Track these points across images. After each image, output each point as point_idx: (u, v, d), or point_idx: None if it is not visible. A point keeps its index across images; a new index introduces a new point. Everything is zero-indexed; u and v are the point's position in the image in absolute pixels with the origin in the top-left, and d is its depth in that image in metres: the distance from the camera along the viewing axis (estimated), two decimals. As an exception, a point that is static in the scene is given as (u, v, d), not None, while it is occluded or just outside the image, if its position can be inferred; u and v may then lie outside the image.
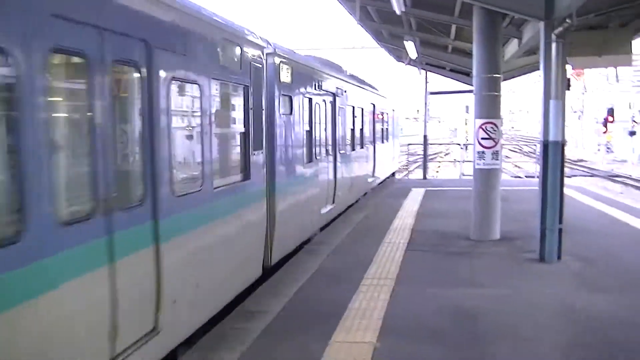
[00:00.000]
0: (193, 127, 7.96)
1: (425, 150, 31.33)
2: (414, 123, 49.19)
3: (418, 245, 13.36)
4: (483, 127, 13.67)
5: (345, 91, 18.23)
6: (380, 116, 26.06)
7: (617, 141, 62.77)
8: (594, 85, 74.93)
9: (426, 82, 31.42)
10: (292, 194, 12.51)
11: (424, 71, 30.91)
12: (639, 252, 12.67)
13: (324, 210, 15.44)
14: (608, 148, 59.53)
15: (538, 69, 12.31)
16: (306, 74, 13.95)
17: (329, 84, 16.20)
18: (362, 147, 21.42)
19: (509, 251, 12.77)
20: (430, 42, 24.56)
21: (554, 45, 11.49)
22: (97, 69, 5.56)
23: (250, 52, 9.84)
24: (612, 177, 39.71)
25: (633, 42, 14.03)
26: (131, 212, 6.15)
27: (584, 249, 12.68)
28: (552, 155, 11.59)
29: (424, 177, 30.33)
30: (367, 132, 22.65)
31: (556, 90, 11.50)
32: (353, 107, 19.61)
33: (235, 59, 9.23)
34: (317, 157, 14.85)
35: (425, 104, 31.48)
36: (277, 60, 11.43)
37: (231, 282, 9.07)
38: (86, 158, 5.53)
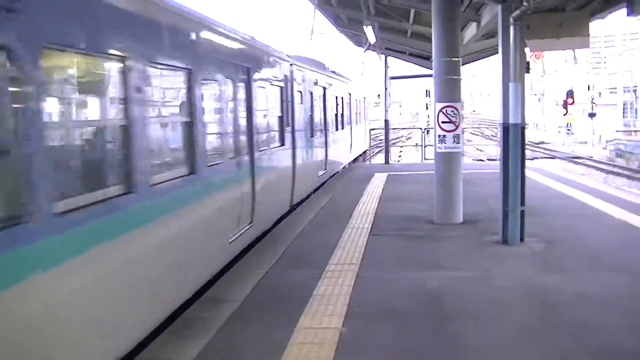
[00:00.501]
0: (266, 111, 13.37)
1: (386, 134, 31.36)
2: (375, 108, 49.06)
3: (382, 230, 13.41)
4: (443, 110, 13.72)
5: (331, 85, 23.49)
6: (355, 103, 30.94)
7: (578, 123, 63.50)
8: (553, 68, 75.62)
9: (386, 67, 31.43)
10: (303, 158, 17.34)
11: (384, 56, 30.93)
12: (600, 233, 12.79)
13: (320, 173, 20.43)
14: (568, 130, 60.17)
15: (497, 53, 12.38)
16: (308, 75, 18.65)
17: (321, 80, 21.17)
18: (342, 128, 26.59)
19: (472, 234, 12.85)
20: (390, 27, 24.59)
21: (511, 28, 11.54)
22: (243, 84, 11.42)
23: (284, 65, 15.36)
24: (573, 159, 40.20)
25: (590, 24, 14.10)
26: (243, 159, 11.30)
27: (546, 230, 12.79)
28: (513, 137, 11.67)
29: (386, 162, 30.39)
30: (346, 116, 27.71)
31: (515, 73, 11.56)
32: (336, 97, 24.72)
33: (278, 71, 14.66)
34: (315, 134, 19.62)
35: (386, 88, 31.48)
36: (294, 68, 16.41)
37: (280, 207, 14.74)
38: (237, 128, 11.12)
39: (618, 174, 32.52)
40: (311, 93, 19.04)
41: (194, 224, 8.71)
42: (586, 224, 13.60)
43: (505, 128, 11.81)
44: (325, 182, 21.64)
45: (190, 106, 8.74)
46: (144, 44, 7.25)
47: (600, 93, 76.43)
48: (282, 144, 14.88)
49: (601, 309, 8.24)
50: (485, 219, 13.88)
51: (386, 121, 31.21)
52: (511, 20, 11.49)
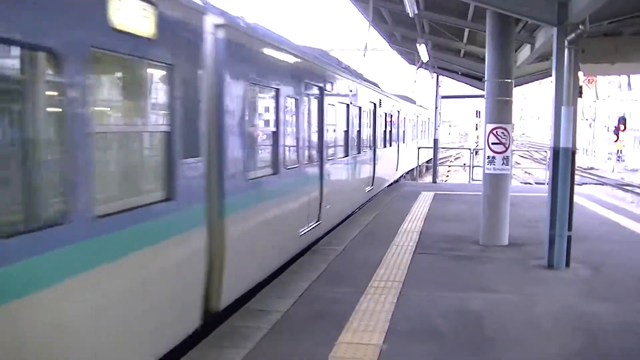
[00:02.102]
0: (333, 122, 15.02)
1: (435, 154, 31.26)
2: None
3: (427, 249, 13.35)
4: (494, 131, 13.66)
5: (400, 110, 27.80)
6: (413, 119, 33.47)
7: (628, 150, 62.63)
8: (606, 93, 74.73)
9: (437, 86, 31.37)
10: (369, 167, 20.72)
11: (436, 75, 30.88)
12: (648, 260, 12.62)
13: (367, 189, 20.58)
14: (619, 157, 59.37)
15: (550, 75, 12.29)
16: (370, 95, 20.67)
17: (387, 102, 23.77)
18: (409, 141, 31.06)
19: (517, 257, 12.75)
20: (443, 46, 24.58)
21: (566, 52, 11.48)
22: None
23: (351, 80, 17.16)
24: (622, 185, 39.62)
25: (646, 50, 13.97)
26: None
27: (593, 256, 12.63)
28: (563, 161, 11.56)
29: (434, 181, 30.27)
30: (401, 132, 29.31)
31: (567, 97, 11.47)
32: (399, 114, 27.55)
33: (346, 89, 16.41)
34: (364, 150, 19.60)
35: (437, 107, 31.41)
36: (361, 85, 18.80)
37: (344, 210, 16.78)
38: (312, 140, 13.26)
39: (668, 203, 31.98)
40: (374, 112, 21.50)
41: (275, 218, 10.57)
42: (633, 251, 13.40)
43: (556, 152, 11.71)
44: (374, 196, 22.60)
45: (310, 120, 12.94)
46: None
47: (653, 120, 75.57)
48: (346, 155, 16.86)
49: (647, 339, 8.12)
50: (531, 243, 13.74)
51: (435, 140, 31.11)
52: (566, 43, 11.42)
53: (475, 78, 27.55)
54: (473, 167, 30.75)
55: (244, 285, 9.15)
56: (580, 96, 12.89)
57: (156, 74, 6.78)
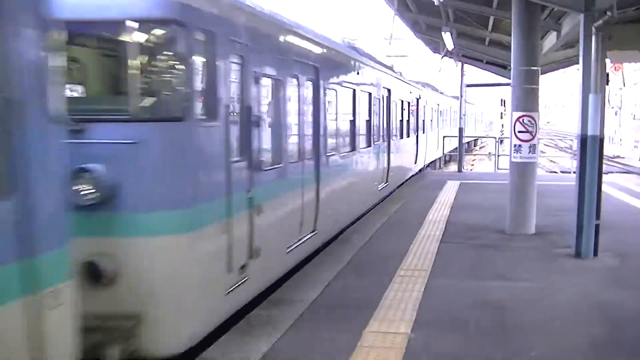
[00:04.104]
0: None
1: (460, 142, 31.15)
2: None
3: (453, 238, 13.34)
4: (520, 120, 13.58)
5: (420, 97, 26.56)
6: (435, 107, 32.84)
7: (656, 138, 62.05)
8: (632, 81, 74.10)
9: (462, 74, 31.27)
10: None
11: (461, 63, 30.76)
12: (677, 249, 12.52)
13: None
14: (646, 145, 58.84)
15: (576, 63, 12.25)
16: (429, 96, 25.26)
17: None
18: (429, 131, 29.87)
19: (544, 246, 12.69)
20: (468, 34, 24.48)
21: (593, 38, 11.38)
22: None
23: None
24: (649, 174, 39.24)
25: (674, 36, 13.82)
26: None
27: (620, 245, 12.55)
28: (590, 149, 11.48)
29: (459, 170, 30.19)
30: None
31: (595, 84, 11.38)
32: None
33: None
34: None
35: (461, 96, 31.32)
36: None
37: (404, 173, 22.07)
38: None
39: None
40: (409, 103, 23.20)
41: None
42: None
43: (583, 140, 11.62)
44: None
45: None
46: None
47: (681, 108, 74.78)
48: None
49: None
50: (558, 232, 13.67)
51: (460, 129, 31.00)
52: (593, 30, 11.32)
53: (500, 66, 27.43)
54: (498, 155, 30.63)
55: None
56: (607, 84, 12.78)
57: None
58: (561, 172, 34.49)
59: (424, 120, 28.36)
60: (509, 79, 14.56)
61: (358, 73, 15.18)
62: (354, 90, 14.70)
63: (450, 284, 9.94)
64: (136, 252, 6.34)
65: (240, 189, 7.77)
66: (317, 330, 7.85)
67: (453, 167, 34.91)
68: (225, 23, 7.51)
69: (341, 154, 13.42)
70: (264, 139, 8.76)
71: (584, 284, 10.05)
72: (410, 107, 24.34)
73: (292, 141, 10.32)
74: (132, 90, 6.39)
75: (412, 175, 25.99)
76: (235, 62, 7.74)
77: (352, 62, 14.72)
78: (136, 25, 6.27)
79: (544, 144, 69.36)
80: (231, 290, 7.55)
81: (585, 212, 11.59)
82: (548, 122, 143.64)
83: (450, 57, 30.18)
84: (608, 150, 55.86)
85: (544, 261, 11.56)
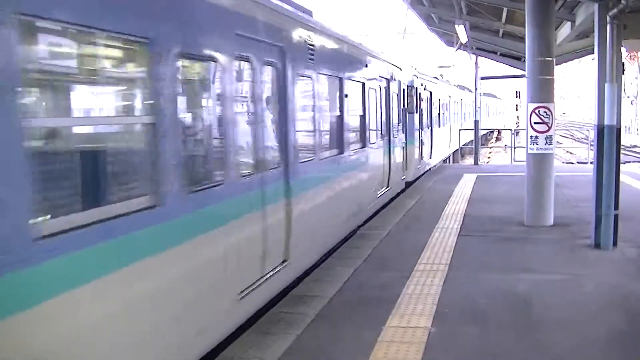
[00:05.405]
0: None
1: (476, 135, 31.07)
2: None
3: (471, 231, 13.30)
4: (536, 111, 13.53)
5: (432, 91, 26.53)
6: (448, 101, 32.67)
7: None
8: (648, 69, 73.63)
9: (476, 67, 31.16)
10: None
11: (475, 56, 30.67)
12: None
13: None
14: (663, 134, 58.53)
15: (591, 53, 12.20)
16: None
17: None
18: (444, 125, 30.39)
19: (563, 237, 12.64)
20: (481, 26, 24.42)
21: (608, 27, 11.32)
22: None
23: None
24: (667, 163, 39.04)
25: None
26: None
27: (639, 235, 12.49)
28: (608, 139, 11.42)
29: (475, 163, 30.11)
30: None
31: (611, 74, 11.32)
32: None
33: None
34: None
35: (476, 88, 31.23)
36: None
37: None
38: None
39: None
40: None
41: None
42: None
43: (600, 130, 11.57)
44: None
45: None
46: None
47: (698, 95, 74.32)
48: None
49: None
50: (576, 222, 13.62)
51: (476, 122, 30.92)
52: (608, 19, 11.26)
53: (514, 58, 27.35)
54: (515, 147, 30.54)
55: None
56: (623, 73, 12.71)
57: None
58: (578, 162, 34.38)
59: (437, 115, 27.92)
60: (524, 70, 14.50)
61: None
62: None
63: (470, 277, 9.92)
64: None
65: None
66: (336, 327, 7.84)
67: (469, 160, 34.80)
68: None
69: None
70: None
71: (603, 275, 10.00)
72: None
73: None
74: None
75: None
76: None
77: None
78: None
79: (560, 135, 69.10)
80: None
81: (603, 203, 11.54)
82: (564, 113, 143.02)
83: (464, 50, 30.11)
84: (625, 140, 55.62)
85: (563, 252, 11.51)
